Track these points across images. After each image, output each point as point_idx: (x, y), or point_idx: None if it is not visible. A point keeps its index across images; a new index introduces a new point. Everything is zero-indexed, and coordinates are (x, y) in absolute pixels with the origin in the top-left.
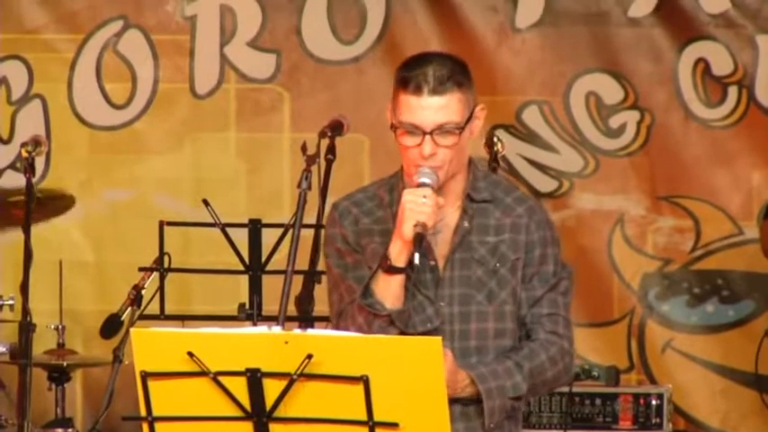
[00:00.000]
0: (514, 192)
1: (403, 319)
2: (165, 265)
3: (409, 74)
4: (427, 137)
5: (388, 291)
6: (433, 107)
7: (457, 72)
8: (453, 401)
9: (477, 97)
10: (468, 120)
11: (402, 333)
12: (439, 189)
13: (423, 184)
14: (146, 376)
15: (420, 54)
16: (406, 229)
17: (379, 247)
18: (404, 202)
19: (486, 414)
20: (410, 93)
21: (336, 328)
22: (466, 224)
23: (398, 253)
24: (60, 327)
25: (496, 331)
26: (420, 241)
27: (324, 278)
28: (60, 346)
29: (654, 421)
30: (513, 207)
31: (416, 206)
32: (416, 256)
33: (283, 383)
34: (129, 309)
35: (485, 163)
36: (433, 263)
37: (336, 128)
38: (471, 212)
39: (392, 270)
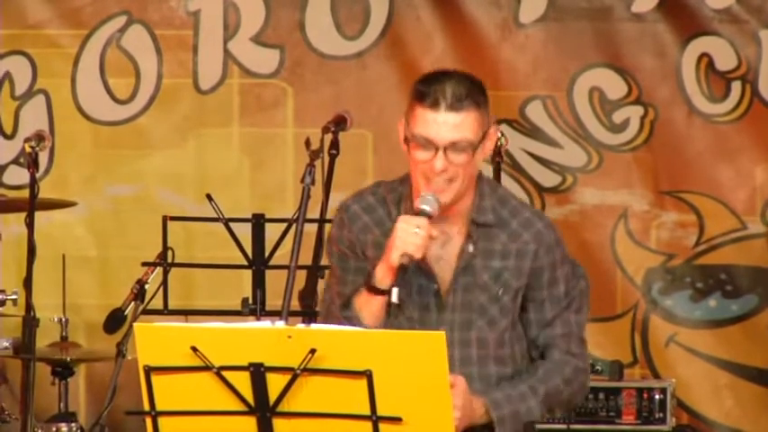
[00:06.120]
0: (522, 213)
1: None
2: (169, 260)
3: (427, 89)
4: (440, 152)
5: (368, 308)
6: (449, 123)
7: (475, 91)
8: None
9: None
10: (482, 139)
11: None
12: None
13: (422, 212)
14: (149, 371)
15: (439, 70)
16: (394, 256)
17: None
18: (397, 229)
19: None
20: (427, 107)
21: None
22: (471, 249)
23: (383, 276)
24: (63, 319)
25: (496, 358)
26: (403, 272)
27: (327, 273)
28: (63, 338)
29: (657, 416)
30: (520, 233)
31: (407, 236)
32: (394, 292)
33: (287, 378)
34: (133, 303)
35: (490, 170)
36: (436, 286)
37: (340, 123)
38: (476, 237)
39: (373, 290)
